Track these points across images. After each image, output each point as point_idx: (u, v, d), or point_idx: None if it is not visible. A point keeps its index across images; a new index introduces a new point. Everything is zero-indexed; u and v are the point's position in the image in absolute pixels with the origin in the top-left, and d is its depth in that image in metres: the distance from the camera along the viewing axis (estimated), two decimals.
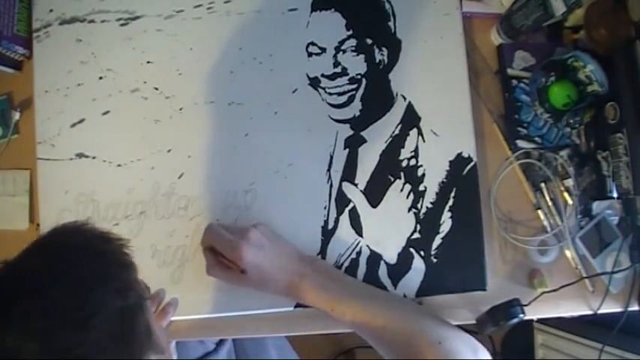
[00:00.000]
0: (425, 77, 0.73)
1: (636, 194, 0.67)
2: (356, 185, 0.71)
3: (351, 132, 0.72)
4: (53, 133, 0.73)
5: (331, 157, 0.72)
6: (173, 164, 0.72)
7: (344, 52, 0.73)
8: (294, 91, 0.73)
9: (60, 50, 0.74)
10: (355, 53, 0.73)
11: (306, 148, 0.72)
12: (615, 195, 0.70)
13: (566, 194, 0.71)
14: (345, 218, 0.71)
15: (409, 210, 0.71)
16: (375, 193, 0.71)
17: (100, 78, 0.74)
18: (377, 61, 0.73)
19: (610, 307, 0.70)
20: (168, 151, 0.72)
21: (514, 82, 0.73)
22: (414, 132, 0.72)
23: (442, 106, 0.72)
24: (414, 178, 0.71)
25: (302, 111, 0.72)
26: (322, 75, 0.73)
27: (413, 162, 0.72)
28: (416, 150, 0.72)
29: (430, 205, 0.71)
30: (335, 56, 0.73)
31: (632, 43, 0.67)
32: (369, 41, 0.73)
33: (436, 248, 0.70)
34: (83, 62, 0.74)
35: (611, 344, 0.92)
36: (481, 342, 0.58)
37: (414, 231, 0.70)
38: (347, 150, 0.72)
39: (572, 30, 0.74)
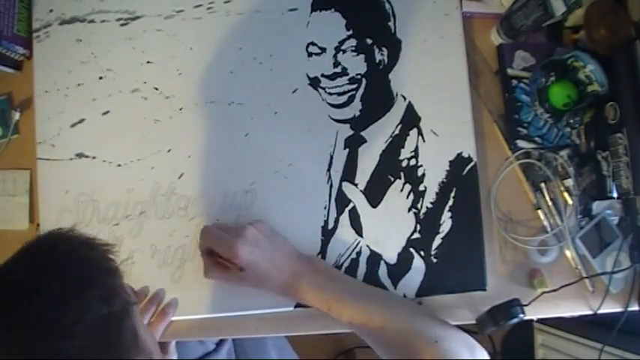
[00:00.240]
0: (425, 77, 0.73)
1: (636, 194, 0.67)
2: (356, 185, 0.71)
3: (351, 132, 0.72)
4: (53, 133, 0.73)
5: (331, 157, 0.72)
6: (173, 164, 0.72)
7: (344, 52, 0.73)
8: (294, 91, 0.73)
9: (60, 50, 0.74)
10: (355, 53, 0.73)
11: (306, 148, 0.72)
12: (615, 195, 0.70)
13: (566, 194, 0.71)
14: (345, 218, 0.71)
15: (409, 210, 0.71)
16: (375, 193, 0.71)
17: (100, 78, 0.74)
18: (377, 61, 0.73)
19: (610, 307, 0.70)
20: (168, 151, 0.72)
21: (514, 82, 0.73)
22: (414, 132, 0.72)
23: (442, 106, 0.72)
24: (414, 178, 0.71)
25: (302, 111, 0.72)
26: (322, 75, 0.73)
27: (413, 162, 0.72)
28: (416, 150, 0.72)
29: (430, 205, 0.71)
30: (335, 56, 0.73)
31: (632, 43, 0.67)
32: (369, 41, 0.73)
33: (436, 248, 0.70)
34: (83, 62, 0.74)
35: (611, 344, 0.92)
36: (481, 342, 0.58)
37: (414, 231, 0.70)
38: (347, 150, 0.72)
39: (572, 30, 0.74)
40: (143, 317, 0.66)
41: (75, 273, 0.40)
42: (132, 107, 0.73)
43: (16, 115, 0.73)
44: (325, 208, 0.71)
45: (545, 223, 0.71)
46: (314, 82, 0.73)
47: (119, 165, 0.72)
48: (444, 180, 0.71)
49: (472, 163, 0.71)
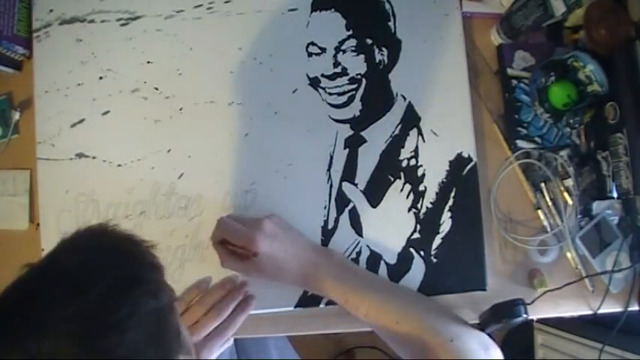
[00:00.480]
0: (425, 77, 0.73)
1: (636, 194, 0.67)
2: (356, 185, 0.71)
3: (351, 132, 0.72)
4: (53, 133, 0.73)
5: (331, 157, 0.72)
6: (173, 164, 0.72)
7: (344, 52, 0.73)
8: (294, 91, 0.73)
9: (60, 50, 0.74)
10: (355, 53, 0.73)
11: (306, 148, 0.72)
12: (615, 195, 0.70)
13: (566, 194, 0.71)
14: (345, 218, 0.71)
15: (409, 210, 0.71)
16: (375, 193, 0.71)
17: (100, 78, 0.74)
18: (377, 61, 0.73)
19: (610, 307, 0.70)
20: (168, 151, 0.72)
21: (514, 82, 0.73)
22: (414, 132, 0.72)
23: (442, 106, 0.72)
24: (414, 178, 0.71)
25: (302, 111, 0.72)
26: (322, 75, 0.73)
27: (413, 162, 0.72)
28: (416, 150, 0.72)
29: (430, 205, 0.71)
30: (335, 56, 0.73)
31: (632, 43, 0.67)
32: (369, 41, 0.73)
33: (436, 248, 0.70)
34: (83, 62, 0.74)
35: (611, 344, 0.92)
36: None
37: (414, 231, 0.70)
38: (347, 150, 0.72)
39: (572, 30, 0.74)
40: (227, 308, 0.65)
41: (125, 268, 0.40)
42: (132, 107, 0.73)
43: (16, 115, 0.73)
44: (325, 208, 0.71)
45: (545, 223, 0.71)
46: (314, 82, 0.73)
47: (119, 165, 0.72)
48: (444, 180, 0.71)
49: (472, 163, 0.71)
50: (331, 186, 0.71)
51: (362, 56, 0.73)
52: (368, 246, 0.70)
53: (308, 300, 0.69)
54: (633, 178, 0.67)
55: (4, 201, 0.73)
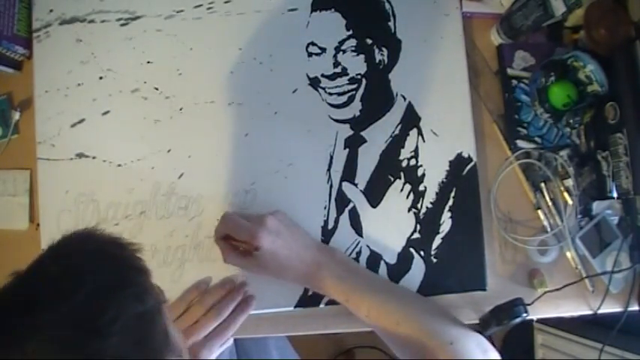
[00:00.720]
0: (425, 77, 0.73)
1: (636, 194, 0.67)
2: (356, 185, 0.71)
3: (351, 132, 0.72)
4: (53, 133, 0.73)
5: (331, 157, 0.72)
6: (173, 164, 0.72)
7: (344, 52, 0.73)
8: (294, 91, 0.73)
9: (60, 50, 0.74)
10: (355, 53, 0.73)
11: (306, 148, 0.72)
12: (615, 195, 0.70)
13: (566, 194, 0.71)
14: (345, 218, 0.71)
15: (409, 210, 0.71)
16: (375, 193, 0.71)
17: (100, 78, 0.74)
18: (377, 61, 0.73)
19: (610, 307, 0.70)
20: (168, 151, 0.72)
21: (514, 82, 0.73)
22: (414, 132, 0.72)
23: (442, 106, 0.72)
24: (414, 178, 0.71)
25: (302, 111, 0.72)
26: (322, 75, 0.73)
27: (413, 162, 0.72)
28: (416, 150, 0.72)
29: (430, 205, 0.71)
30: (335, 56, 0.73)
31: (632, 43, 0.67)
32: (369, 41, 0.73)
33: (436, 248, 0.70)
34: (83, 62, 0.74)
35: (611, 344, 0.92)
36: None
37: (414, 231, 0.70)
38: (347, 150, 0.72)
39: (572, 30, 0.74)
40: (227, 308, 0.65)
41: (109, 272, 0.40)
42: (132, 107, 0.73)
43: (16, 115, 0.73)
44: (325, 208, 0.71)
45: (545, 223, 0.71)
46: (314, 82, 0.73)
47: (119, 165, 0.72)
48: (444, 180, 0.71)
49: (472, 163, 0.71)
50: (331, 186, 0.71)
51: (362, 56, 0.73)
52: (368, 246, 0.70)
53: (308, 300, 0.69)
54: (633, 178, 0.67)
55: (4, 201, 0.73)
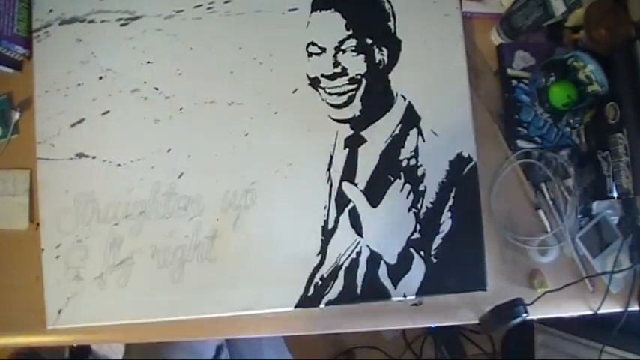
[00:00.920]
0: (425, 77, 0.73)
1: (636, 194, 0.67)
2: (356, 185, 0.71)
3: (351, 132, 0.72)
4: (53, 133, 0.73)
5: (331, 157, 0.72)
6: (173, 164, 0.72)
7: (344, 52, 0.73)
8: (294, 91, 0.73)
9: (60, 50, 0.74)
10: (355, 53, 0.73)
11: (306, 148, 0.72)
12: (615, 195, 0.70)
13: (566, 194, 0.71)
14: (345, 218, 0.71)
15: (409, 210, 0.71)
16: (375, 193, 0.71)
17: (100, 78, 0.74)
18: (377, 61, 0.73)
19: (610, 307, 0.70)
20: (168, 151, 0.72)
21: (514, 82, 0.73)
22: (414, 132, 0.72)
23: (442, 106, 0.72)
24: (414, 178, 0.71)
25: (302, 111, 0.72)
26: (322, 75, 0.73)
27: (413, 162, 0.72)
28: (416, 150, 0.72)
29: (430, 205, 0.71)
30: (335, 56, 0.73)
31: (632, 43, 0.67)
32: (369, 41, 0.73)
33: (436, 248, 0.70)
34: (83, 62, 0.74)
35: (611, 344, 0.92)
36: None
37: (414, 231, 0.70)
38: (347, 150, 0.72)
39: (572, 30, 0.74)
40: None
41: None
42: (132, 107, 0.73)
43: (16, 115, 0.73)
44: (325, 208, 0.71)
45: (545, 223, 0.71)
46: (314, 82, 0.73)
47: (119, 165, 0.72)
48: (444, 180, 0.71)
49: (472, 163, 0.71)
50: (331, 186, 0.71)
51: (362, 56, 0.73)
52: (368, 246, 0.70)
53: (308, 300, 0.69)
54: (633, 178, 0.67)
55: (4, 201, 0.73)
